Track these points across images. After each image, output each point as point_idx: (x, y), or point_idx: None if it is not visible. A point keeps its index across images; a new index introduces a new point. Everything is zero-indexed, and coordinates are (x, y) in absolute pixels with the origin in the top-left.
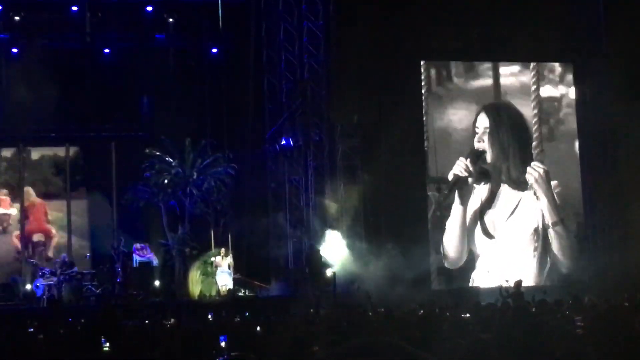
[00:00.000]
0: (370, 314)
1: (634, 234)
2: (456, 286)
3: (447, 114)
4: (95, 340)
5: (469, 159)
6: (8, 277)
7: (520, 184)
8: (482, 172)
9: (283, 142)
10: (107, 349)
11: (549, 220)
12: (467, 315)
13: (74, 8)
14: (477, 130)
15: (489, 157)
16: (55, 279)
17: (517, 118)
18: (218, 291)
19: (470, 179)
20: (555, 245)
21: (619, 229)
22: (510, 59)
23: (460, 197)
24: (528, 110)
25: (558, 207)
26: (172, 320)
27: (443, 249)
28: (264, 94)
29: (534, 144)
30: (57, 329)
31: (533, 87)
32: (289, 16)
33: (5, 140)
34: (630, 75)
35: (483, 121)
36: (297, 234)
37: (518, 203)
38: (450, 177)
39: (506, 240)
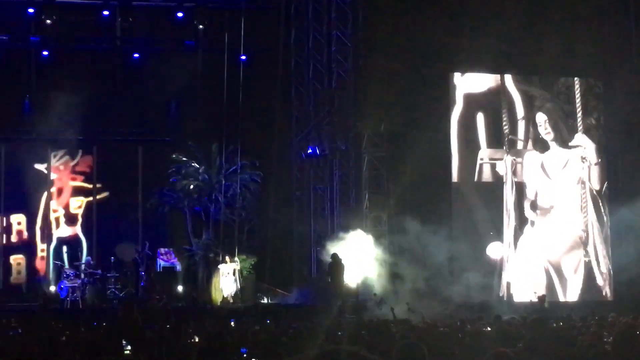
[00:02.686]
0: (392, 324)
1: None
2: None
3: (473, 122)
4: (117, 344)
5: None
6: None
7: (568, 145)
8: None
9: (309, 150)
10: (128, 352)
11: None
12: (489, 328)
13: (105, 12)
14: (539, 124)
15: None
16: (79, 281)
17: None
18: (235, 297)
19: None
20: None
21: None
22: (539, 73)
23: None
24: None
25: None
26: (194, 326)
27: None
28: (292, 102)
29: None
30: (80, 331)
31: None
32: (318, 25)
33: (34, 142)
34: None
35: (541, 117)
36: (321, 243)
37: (566, 163)
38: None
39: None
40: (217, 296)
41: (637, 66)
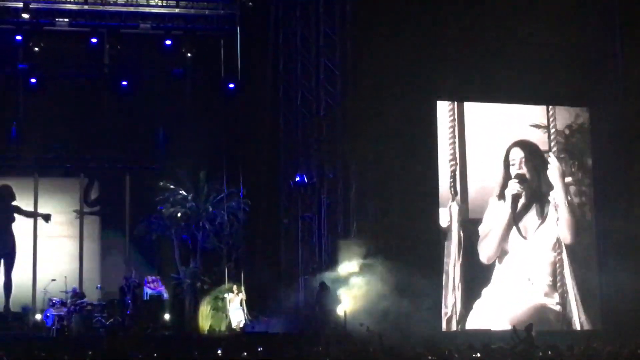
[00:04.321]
0: (379, 354)
1: None
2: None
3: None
4: None
5: (517, 181)
6: (20, 306)
7: (549, 202)
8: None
9: (297, 178)
10: None
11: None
12: (478, 355)
13: (94, 40)
14: (512, 162)
15: (527, 179)
16: (65, 309)
17: (540, 152)
18: (228, 326)
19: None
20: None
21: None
22: (525, 102)
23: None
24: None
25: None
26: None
27: (480, 248)
28: (280, 130)
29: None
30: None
31: (551, 125)
32: (306, 53)
33: (20, 169)
34: None
35: (517, 153)
36: (308, 271)
37: (547, 215)
38: (507, 197)
39: (535, 243)
40: (204, 324)
41: (624, 91)
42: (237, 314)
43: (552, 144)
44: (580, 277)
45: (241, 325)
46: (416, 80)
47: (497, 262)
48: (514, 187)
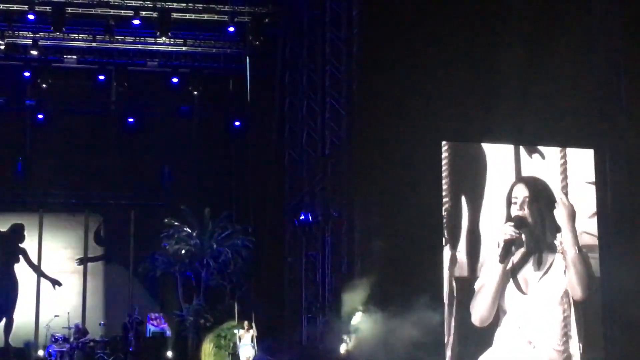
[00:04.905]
0: None
1: None
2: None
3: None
4: None
5: (513, 225)
6: (23, 342)
7: (554, 248)
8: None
9: (302, 217)
10: None
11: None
12: None
13: (101, 77)
14: (514, 200)
15: (529, 222)
16: (67, 345)
17: (549, 190)
18: None
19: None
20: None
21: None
22: (530, 143)
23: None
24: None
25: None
26: None
27: (473, 308)
28: (285, 168)
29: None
30: None
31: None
32: (312, 92)
33: (25, 205)
34: None
35: (522, 191)
36: (311, 310)
37: (551, 264)
38: (500, 243)
39: (537, 298)
40: None
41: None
42: (246, 349)
43: (563, 184)
44: (592, 339)
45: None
46: (421, 120)
47: (497, 323)
48: (507, 230)
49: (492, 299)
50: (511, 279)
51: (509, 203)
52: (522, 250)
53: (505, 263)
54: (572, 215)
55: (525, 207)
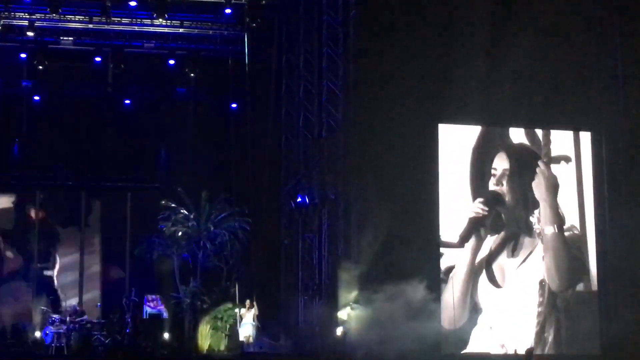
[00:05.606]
0: None
1: None
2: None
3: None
4: None
5: (484, 201)
6: (18, 322)
7: (532, 232)
8: (497, 218)
9: (299, 199)
10: None
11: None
12: None
13: (97, 59)
14: (494, 172)
15: (506, 201)
16: (64, 327)
17: (533, 159)
18: (227, 346)
19: (482, 229)
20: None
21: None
22: (527, 126)
23: (471, 247)
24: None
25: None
26: None
27: (441, 308)
28: (282, 151)
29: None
30: None
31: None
32: (309, 75)
33: (22, 187)
34: None
35: (502, 163)
36: (308, 292)
37: (532, 251)
38: (466, 220)
39: (514, 291)
40: (203, 344)
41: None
42: (246, 328)
43: (545, 151)
44: (575, 338)
45: (250, 340)
46: (418, 102)
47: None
48: (476, 208)
49: (461, 295)
50: (485, 270)
51: (489, 176)
52: (503, 235)
53: (472, 250)
54: (553, 187)
55: (504, 182)
